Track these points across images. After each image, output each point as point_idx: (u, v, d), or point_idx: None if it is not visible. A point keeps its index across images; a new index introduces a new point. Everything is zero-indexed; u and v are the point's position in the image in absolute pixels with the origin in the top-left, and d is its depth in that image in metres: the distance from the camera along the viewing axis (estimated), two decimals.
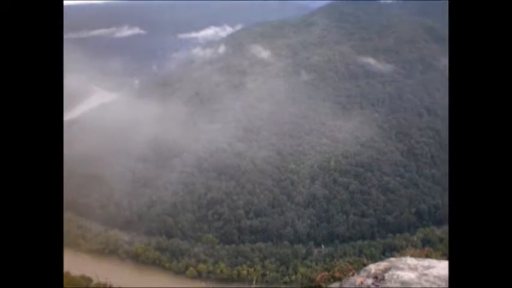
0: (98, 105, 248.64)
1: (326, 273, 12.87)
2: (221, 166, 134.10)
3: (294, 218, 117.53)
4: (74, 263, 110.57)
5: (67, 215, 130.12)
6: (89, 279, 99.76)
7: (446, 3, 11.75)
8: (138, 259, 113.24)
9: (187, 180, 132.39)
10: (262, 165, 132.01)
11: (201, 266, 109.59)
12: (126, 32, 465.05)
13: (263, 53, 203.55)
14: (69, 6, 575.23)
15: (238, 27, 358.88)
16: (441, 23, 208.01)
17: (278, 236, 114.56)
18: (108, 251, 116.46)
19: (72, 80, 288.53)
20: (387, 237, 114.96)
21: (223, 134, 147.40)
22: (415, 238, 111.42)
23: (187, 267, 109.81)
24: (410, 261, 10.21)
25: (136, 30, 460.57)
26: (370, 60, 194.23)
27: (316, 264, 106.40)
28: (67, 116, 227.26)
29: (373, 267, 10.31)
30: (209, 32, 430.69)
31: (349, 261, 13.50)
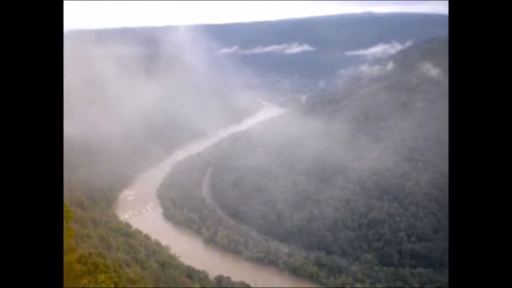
0: (266, 119, 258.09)
1: None
2: (384, 186, 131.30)
3: None
4: (234, 269, 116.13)
5: (231, 223, 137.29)
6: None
7: None
8: (296, 272, 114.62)
9: (349, 198, 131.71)
10: (427, 187, 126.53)
11: (358, 286, 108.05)
12: (296, 48, 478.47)
13: (432, 70, 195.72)
14: (245, 23, 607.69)
15: (408, 44, 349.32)
16: None
17: (440, 263, 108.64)
18: (267, 260, 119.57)
19: (243, 94, 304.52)
20: None
21: (388, 153, 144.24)
22: None
23: (344, 285, 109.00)
24: None
25: (306, 47, 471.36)
26: None
27: None
28: (236, 128, 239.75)
29: None
30: (378, 49, 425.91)
31: None
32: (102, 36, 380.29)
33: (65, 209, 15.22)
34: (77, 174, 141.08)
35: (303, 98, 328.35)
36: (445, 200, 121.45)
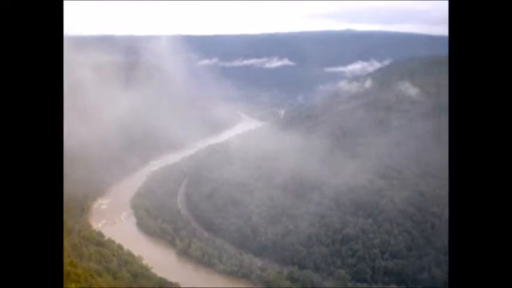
0: (244, 132, 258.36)
1: None
2: (359, 202, 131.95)
3: (431, 263, 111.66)
4: (207, 282, 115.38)
5: (205, 235, 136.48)
6: None
7: None
8: (269, 286, 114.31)
9: (324, 213, 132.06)
10: (402, 205, 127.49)
11: None
12: (275, 62, 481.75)
13: (411, 90, 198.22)
14: (227, 36, 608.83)
15: (387, 62, 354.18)
16: None
17: (413, 280, 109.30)
18: (241, 274, 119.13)
19: (222, 106, 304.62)
20: None
21: (364, 170, 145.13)
22: None
23: None
24: None
25: (286, 62, 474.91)
26: None
27: None
28: (214, 140, 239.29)
29: None
30: (356, 66, 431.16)
31: None
32: (82, 43, 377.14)
33: None
34: None
35: (282, 112, 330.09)
36: (420, 218, 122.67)
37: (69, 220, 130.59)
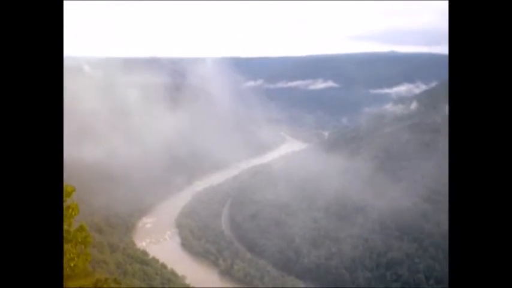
0: (288, 153, 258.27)
1: None
2: (404, 226, 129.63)
3: None
4: None
5: (248, 256, 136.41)
6: None
7: None
8: None
9: (367, 236, 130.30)
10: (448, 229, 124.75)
11: None
12: (320, 84, 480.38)
13: None
14: (272, 58, 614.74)
15: (433, 84, 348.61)
16: None
17: None
18: None
19: (266, 127, 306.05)
20: None
21: (409, 193, 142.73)
22: None
23: None
24: None
25: (330, 83, 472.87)
26: None
27: None
28: (258, 161, 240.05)
29: None
30: (402, 88, 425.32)
31: None
32: (130, 64, 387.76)
33: (84, 233, 15.50)
34: (97, 199, 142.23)
35: (326, 134, 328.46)
36: None
37: (114, 238, 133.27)
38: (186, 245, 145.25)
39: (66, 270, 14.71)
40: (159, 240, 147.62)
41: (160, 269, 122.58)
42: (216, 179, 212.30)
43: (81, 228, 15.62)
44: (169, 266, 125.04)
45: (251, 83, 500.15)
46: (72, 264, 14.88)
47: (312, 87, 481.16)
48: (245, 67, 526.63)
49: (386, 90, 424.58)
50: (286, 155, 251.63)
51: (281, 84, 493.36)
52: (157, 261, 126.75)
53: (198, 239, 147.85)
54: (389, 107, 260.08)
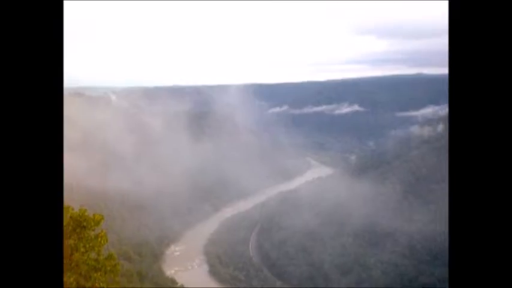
0: (314, 179, 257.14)
1: None
2: (434, 250, 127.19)
3: None
4: None
5: (278, 284, 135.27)
6: None
7: None
8: None
9: (398, 261, 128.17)
10: None
11: None
12: (345, 108, 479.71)
13: None
14: (296, 83, 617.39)
15: None
16: None
17: None
18: None
19: (292, 153, 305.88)
20: None
21: (439, 217, 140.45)
22: None
23: None
24: None
25: (356, 107, 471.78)
26: None
27: None
28: (285, 187, 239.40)
29: None
30: (428, 110, 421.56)
31: None
32: (154, 93, 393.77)
33: (113, 262, 15.40)
34: (126, 227, 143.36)
35: (353, 158, 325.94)
36: None
37: (142, 266, 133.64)
38: (214, 273, 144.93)
39: None
40: (187, 268, 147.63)
41: None
42: (243, 205, 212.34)
43: (110, 257, 15.64)
44: None
45: (276, 109, 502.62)
46: None
47: (337, 111, 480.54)
48: (269, 93, 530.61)
49: (413, 113, 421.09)
50: (313, 181, 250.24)
51: (306, 110, 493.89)
52: None
53: (227, 266, 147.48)
54: (415, 129, 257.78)
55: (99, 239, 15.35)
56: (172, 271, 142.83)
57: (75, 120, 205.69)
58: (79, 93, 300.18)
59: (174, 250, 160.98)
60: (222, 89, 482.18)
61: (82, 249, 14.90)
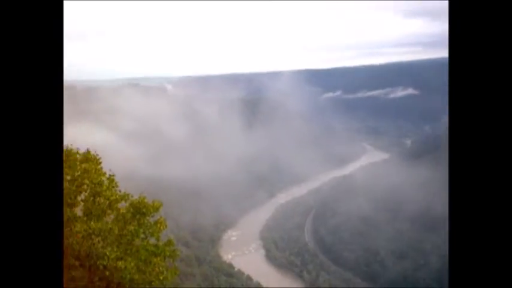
0: (369, 164, 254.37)
1: None
2: None
3: None
4: None
5: (333, 268, 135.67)
6: None
7: None
8: None
9: None
10: None
11: None
12: (400, 92, 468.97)
13: None
14: (349, 68, 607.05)
15: None
16: None
17: None
18: None
19: (346, 138, 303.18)
20: None
21: None
22: None
23: None
24: None
25: (410, 91, 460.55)
26: None
27: None
28: (339, 172, 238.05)
29: None
30: None
31: None
32: (208, 82, 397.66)
33: (172, 247, 16.05)
34: (184, 214, 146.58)
35: (408, 142, 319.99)
36: None
37: (200, 251, 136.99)
38: (270, 257, 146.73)
39: (156, 283, 15.51)
40: (244, 253, 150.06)
41: (245, 281, 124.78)
42: (298, 191, 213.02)
43: (169, 243, 16.22)
44: (255, 278, 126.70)
45: (330, 94, 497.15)
46: (161, 278, 15.52)
47: (392, 95, 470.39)
48: (322, 79, 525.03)
49: None
50: (368, 166, 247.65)
51: (360, 94, 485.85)
52: (243, 273, 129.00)
53: (282, 251, 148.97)
54: None
55: (158, 225, 16.10)
56: (230, 256, 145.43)
57: (130, 110, 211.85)
58: (134, 84, 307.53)
59: (231, 235, 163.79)
60: (275, 75, 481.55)
61: (142, 235, 15.79)
